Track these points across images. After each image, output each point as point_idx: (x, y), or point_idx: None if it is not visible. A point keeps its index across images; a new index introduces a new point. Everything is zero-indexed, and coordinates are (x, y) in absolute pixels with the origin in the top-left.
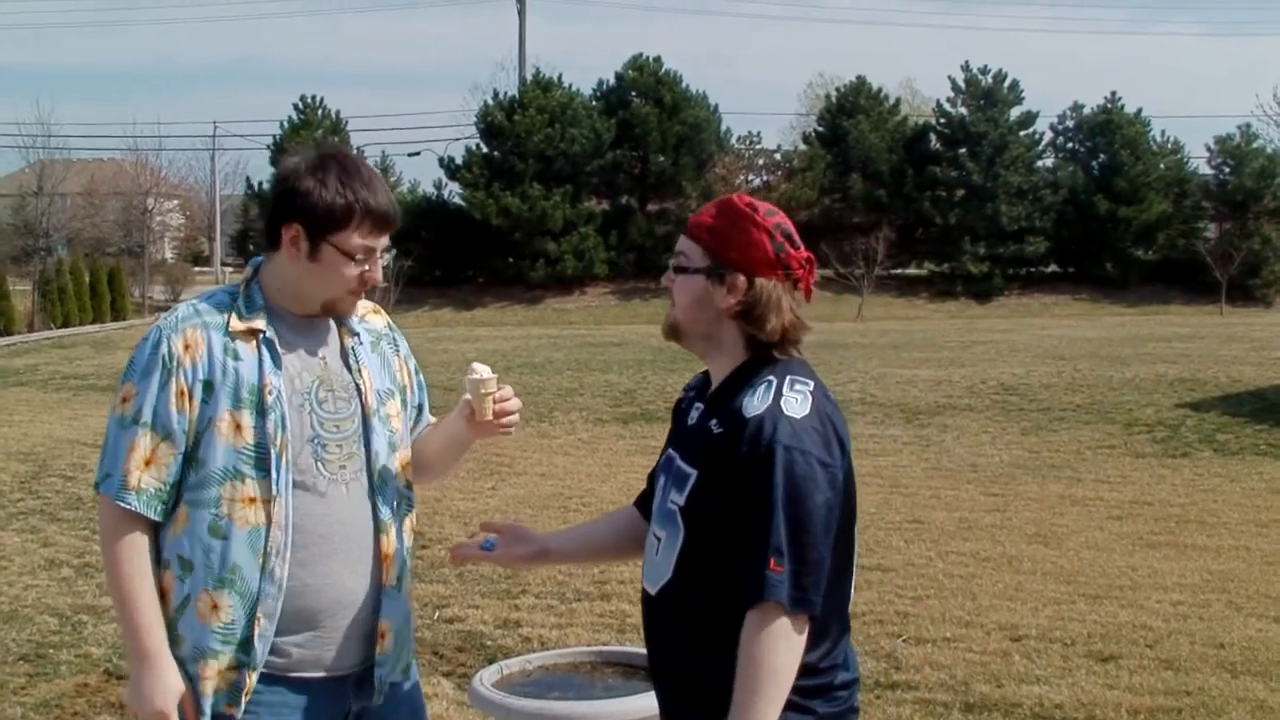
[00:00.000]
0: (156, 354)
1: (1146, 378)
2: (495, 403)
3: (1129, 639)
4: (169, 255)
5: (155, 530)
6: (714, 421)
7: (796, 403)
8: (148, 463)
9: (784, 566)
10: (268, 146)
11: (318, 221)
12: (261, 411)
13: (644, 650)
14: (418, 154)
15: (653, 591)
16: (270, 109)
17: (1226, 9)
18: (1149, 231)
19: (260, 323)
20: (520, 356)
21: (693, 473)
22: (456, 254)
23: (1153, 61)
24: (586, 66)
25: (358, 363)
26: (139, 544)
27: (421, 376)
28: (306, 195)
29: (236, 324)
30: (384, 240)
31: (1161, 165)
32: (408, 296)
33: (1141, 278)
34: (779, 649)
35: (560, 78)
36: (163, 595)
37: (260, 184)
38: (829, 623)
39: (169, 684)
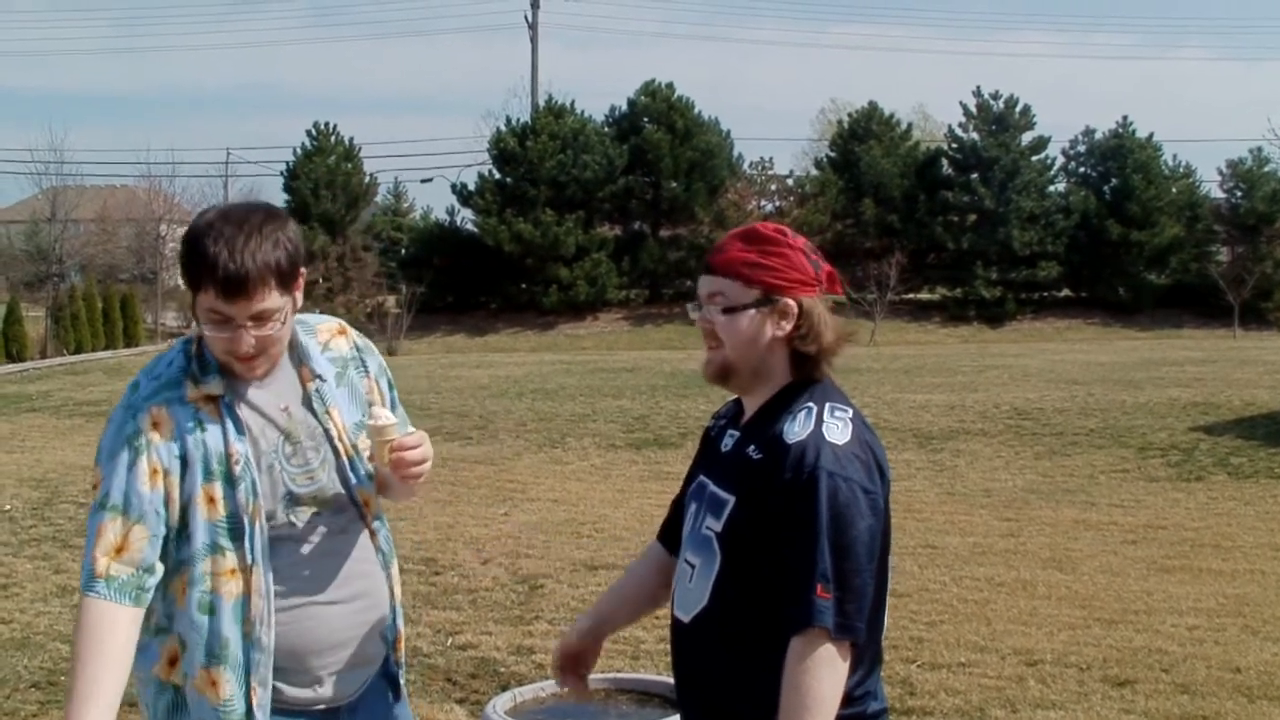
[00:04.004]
0: (121, 436)
1: (1160, 401)
2: (392, 451)
3: (1144, 664)
4: (181, 282)
5: (141, 610)
6: (752, 448)
7: (838, 429)
8: (119, 549)
9: (830, 593)
10: (281, 173)
11: (184, 280)
12: (231, 481)
13: (658, 677)
14: (430, 180)
15: (686, 619)
16: (284, 135)
17: (1237, 34)
18: (1161, 255)
19: (216, 387)
20: (533, 382)
21: (730, 498)
22: (469, 280)
23: (1164, 86)
24: (599, 93)
25: (324, 405)
26: (104, 629)
27: (395, 393)
28: (179, 256)
29: (194, 392)
30: (242, 308)
31: (1173, 189)
32: (420, 323)
33: (1154, 302)
34: (824, 676)
35: (573, 104)
36: (173, 662)
37: None
38: (864, 651)
39: None
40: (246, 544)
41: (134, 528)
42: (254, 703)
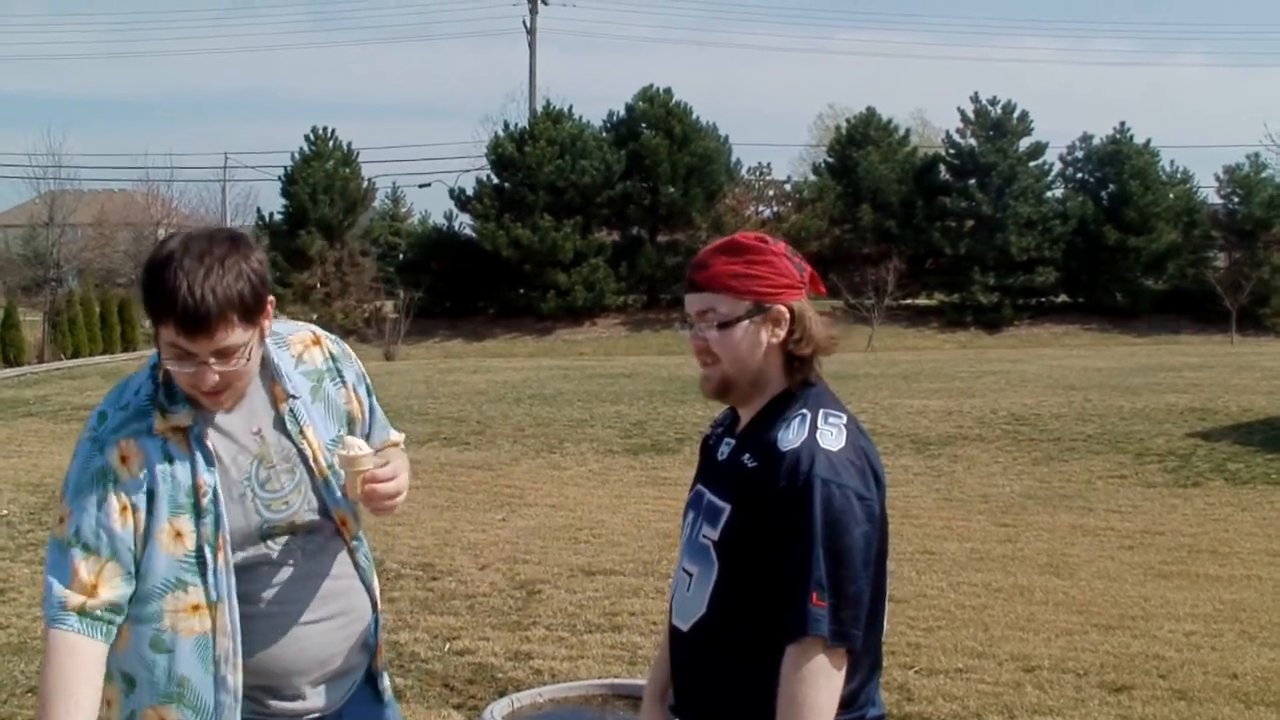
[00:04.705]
0: (89, 470)
1: (1157, 407)
2: (364, 483)
3: (1142, 669)
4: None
5: (105, 650)
6: (747, 456)
7: (832, 436)
8: (94, 587)
9: (825, 601)
10: (279, 178)
11: (145, 311)
12: (198, 514)
13: None
14: (428, 185)
15: (685, 628)
16: (282, 140)
17: (1235, 40)
18: (1158, 261)
19: (184, 418)
20: (530, 388)
21: (726, 507)
22: (467, 285)
23: (1162, 92)
24: (597, 98)
25: (298, 425)
26: (74, 665)
27: (374, 399)
28: (140, 287)
29: (162, 424)
30: (204, 345)
31: (1171, 195)
32: (418, 328)
33: (1151, 307)
34: (820, 685)
35: (571, 109)
36: (108, 703)
37: (271, 215)
38: (863, 657)
39: None
40: (210, 579)
41: (107, 565)
42: None
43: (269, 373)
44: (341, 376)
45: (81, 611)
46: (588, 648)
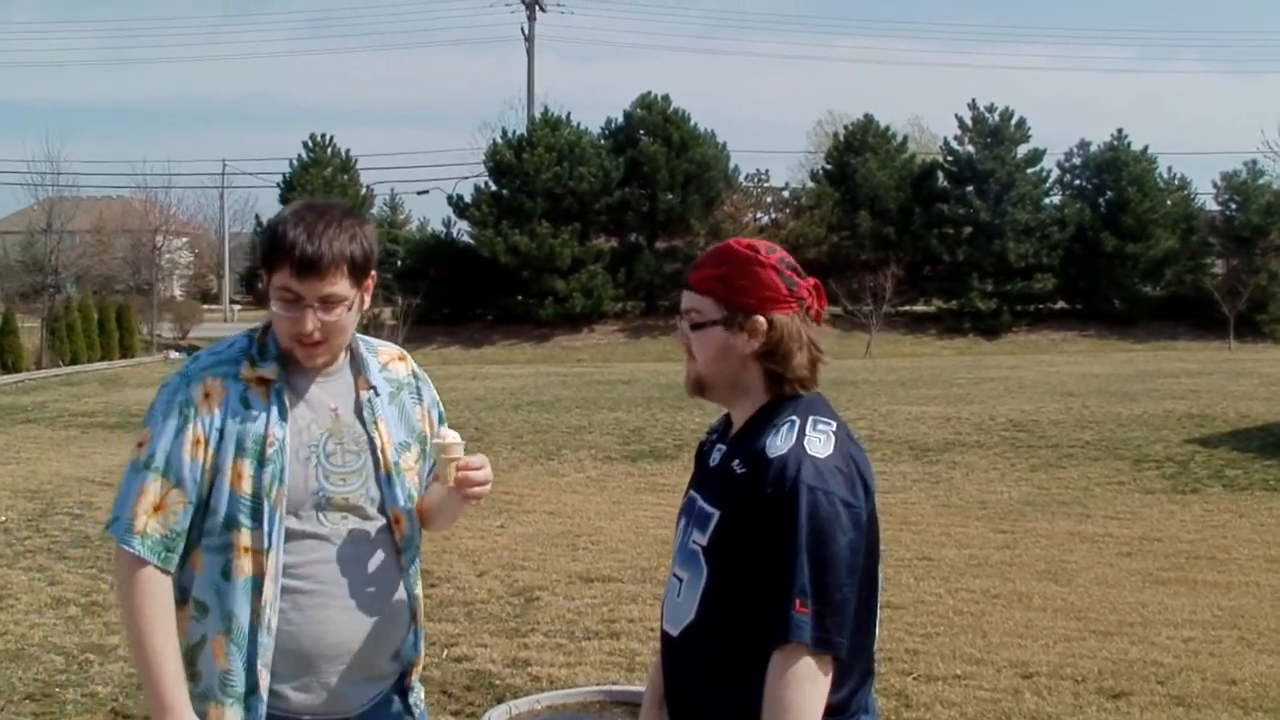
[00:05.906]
0: (174, 401)
1: (1155, 414)
2: (458, 470)
3: (1140, 676)
4: (178, 293)
5: (169, 573)
6: (736, 462)
7: (820, 443)
8: (156, 508)
9: (809, 608)
10: (277, 185)
11: (262, 261)
12: (261, 462)
13: None
14: (426, 192)
15: (675, 633)
16: (280, 147)
17: (1232, 47)
18: (1156, 268)
19: (271, 372)
20: (529, 394)
21: (715, 513)
22: (465, 292)
23: (1159, 99)
24: (595, 105)
25: (373, 415)
26: (153, 589)
27: (445, 427)
28: (260, 241)
29: (248, 372)
30: (313, 287)
31: (1168, 202)
32: (416, 334)
33: (1149, 314)
34: (804, 691)
35: (569, 116)
36: (180, 629)
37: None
38: (853, 665)
39: None
40: (265, 527)
41: (172, 491)
42: (261, 683)
43: (357, 365)
44: (420, 395)
45: (145, 533)
46: (586, 654)
